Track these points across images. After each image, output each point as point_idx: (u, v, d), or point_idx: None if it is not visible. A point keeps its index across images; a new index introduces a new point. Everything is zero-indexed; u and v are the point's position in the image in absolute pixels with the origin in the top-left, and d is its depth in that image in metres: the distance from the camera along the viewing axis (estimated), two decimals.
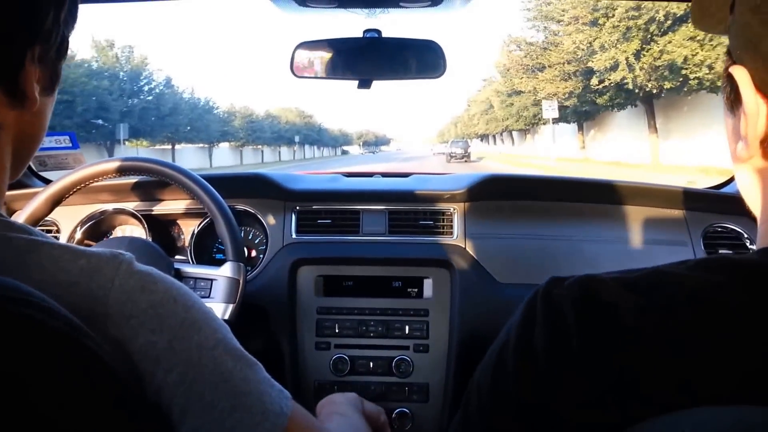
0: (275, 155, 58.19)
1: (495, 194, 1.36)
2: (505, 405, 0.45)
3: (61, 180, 1.09)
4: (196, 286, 1.07)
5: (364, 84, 1.11)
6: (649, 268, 0.45)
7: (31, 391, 0.36)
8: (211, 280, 1.07)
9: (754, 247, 1.10)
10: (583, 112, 24.71)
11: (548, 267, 1.27)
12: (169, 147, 34.96)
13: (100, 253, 0.49)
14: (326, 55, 1.13)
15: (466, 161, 34.30)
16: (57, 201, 1.09)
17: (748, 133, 0.46)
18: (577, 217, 1.34)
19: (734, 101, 0.48)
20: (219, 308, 1.04)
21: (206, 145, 36.76)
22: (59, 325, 0.39)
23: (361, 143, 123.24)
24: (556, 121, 26.53)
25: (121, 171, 1.10)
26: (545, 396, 0.42)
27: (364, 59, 1.12)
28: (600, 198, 1.36)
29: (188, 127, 33.13)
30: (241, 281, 1.06)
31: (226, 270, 1.07)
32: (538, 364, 0.43)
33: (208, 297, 1.06)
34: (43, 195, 1.08)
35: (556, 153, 27.74)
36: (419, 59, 1.14)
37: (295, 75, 1.10)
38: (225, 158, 43.45)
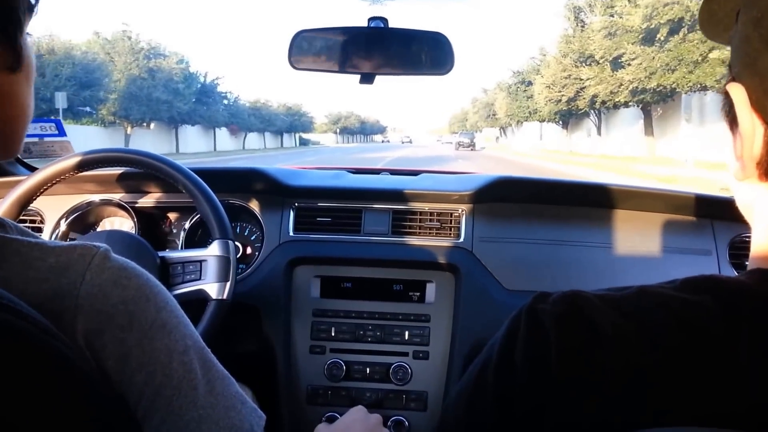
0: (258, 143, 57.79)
1: (505, 197, 1.34)
2: (482, 424, 0.45)
3: (26, 181, 1.08)
4: (185, 270, 1.07)
5: (367, 79, 1.08)
6: (636, 287, 0.46)
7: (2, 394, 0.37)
8: (200, 261, 1.06)
9: None
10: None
11: (559, 274, 1.25)
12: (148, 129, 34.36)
13: (72, 247, 0.49)
14: (327, 46, 1.11)
15: (471, 150, 41.56)
16: (26, 203, 1.08)
17: (743, 154, 0.46)
18: (591, 223, 1.32)
19: (732, 119, 0.47)
20: (213, 288, 1.04)
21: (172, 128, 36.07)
22: (24, 325, 0.40)
23: (338, 130, 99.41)
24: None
25: (91, 164, 1.09)
26: (524, 413, 0.43)
27: (368, 52, 1.09)
28: (617, 203, 1.33)
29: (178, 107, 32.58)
30: (231, 258, 1.06)
31: (214, 249, 1.07)
32: (518, 379, 0.44)
33: (200, 279, 1.06)
34: (9, 198, 1.07)
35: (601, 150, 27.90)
36: (426, 53, 1.11)
37: (292, 66, 1.08)
38: (197, 143, 43.26)
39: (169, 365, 0.50)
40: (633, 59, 20.44)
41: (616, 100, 22.75)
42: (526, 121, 39.48)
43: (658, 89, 20.31)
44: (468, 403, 0.48)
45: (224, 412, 0.51)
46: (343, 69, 1.10)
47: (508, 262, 1.28)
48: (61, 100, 22.57)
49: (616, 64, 22.12)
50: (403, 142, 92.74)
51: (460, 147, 43.08)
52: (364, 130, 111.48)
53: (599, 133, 30.99)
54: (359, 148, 55.78)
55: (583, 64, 24.91)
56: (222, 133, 46.47)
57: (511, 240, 1.30)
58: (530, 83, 37.24)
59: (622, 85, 21.78)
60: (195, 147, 38.95)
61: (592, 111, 28.78)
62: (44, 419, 0.39)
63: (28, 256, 0.47)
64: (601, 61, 22.97)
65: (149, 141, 32.01)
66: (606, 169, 17.70)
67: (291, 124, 65.46)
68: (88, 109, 25.57)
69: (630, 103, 22.88)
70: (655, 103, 22.37)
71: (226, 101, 44.34)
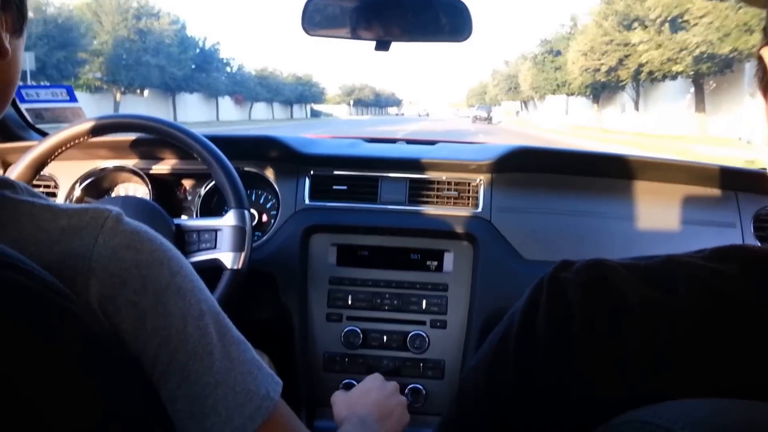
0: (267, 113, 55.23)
1: (524, 166, 1.33)
2: (502, 394, 0.45)
3: (40, 145, 1.08)
4: (200, 239, 1.07)
5: (382, 46, 1.07)
6: (663, 256, 0.45)
7: (5, 354, 0.37)
8: (216, 230, 1.06)
9: None
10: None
11: (578, 245, 1.26)
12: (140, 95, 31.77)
13: (84, 210, 0.49)
14: (342, 12, 1.09)
15: (488, 123, 41.87)
16: (39, 167, 1.08)
17: None
18: (612, 194, 1.32)
19: (766, 86, 0.45)
20: (228, 258, 1.04)
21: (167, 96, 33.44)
22: (33, 285, 0.40)
23: (351, 102, 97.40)
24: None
25: (104, 129, 1.09)
26: (545, 383, 0.43)
27: (384, 18, 1.06)
28: (639, 174, 1.32)
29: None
30: (247, 228, 1.06)
31: (230, 218, 1.06)
32: (539, 350, 0.44)
33: (215, 248, 1.06)
34: (23, 162, 1.07)
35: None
36: (444, 20, 1.07)
37: (306, 32, 1.06)
38: (197, 112, 40.75)
39: (185, 330, 0.49)
40: (701, 17, 17.12)
41: (673, 69, 19.52)
42: (553, 94, 36.16)
43: (725, 57, 17.06)
44: (488, 372, 0.47)
45: (240, 378, 0.50)
46: (358, 35, 1.07)
47: (527, 232, 1.27)
48: (28, 62, 20.07)
49: (674, 25, 18.95)
50: (420, 116, 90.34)
51: (476, 120, 43.30)
52: (378, 102, 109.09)
53: (636, 108, 27.85)
54: (372, 121, 53.69)
55: (626, 29, 21.69)
56: (225, 102, 44.05)
57: (530, 210, 1.29)
58: (559, 53, 34.05)
59: (684, 50, 18.51)
60: (195, 116, 36.49)
61: (632, 83, 25.67)
62: (55, 380, 0.39)
63: (39, 218, 0.47)
64: (656, 22, 19.69)
65: (142, 109, 29.40)
66: (653, 149, 14.72)
67: (301, 94, 62.88)
68: (62, 71, 22.81)
69: (683, 74, 19.67)
70: (713, 74, 19.15)
71: (229, 69, 41.79)
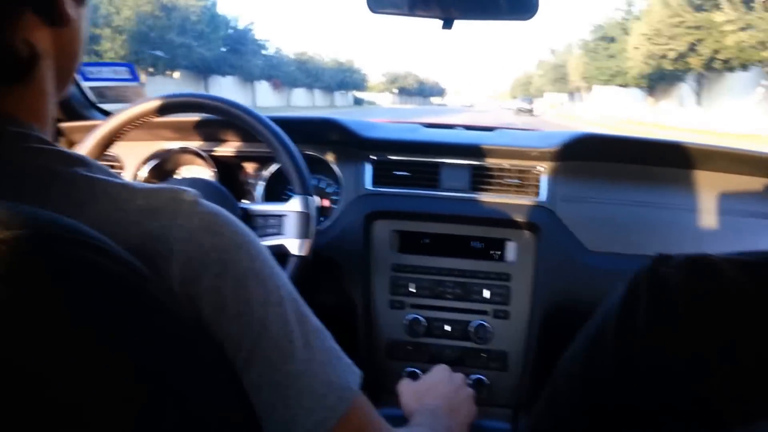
0: (307, 99, 53.86)
1: (589, 155, 1.30)
2: (601, 377, 0.46)
3: (107, 123, 1.07)
4: (266, 224, 1.07)
5: (448, 24, 1.05)
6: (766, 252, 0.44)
7: (87, 340, 0.36)
8: (281, 216, 1.07)
9: None
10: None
11: (644, 237, 1.23)
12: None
13: (161, 189, 0.48)
14: None
15: (529, 115, 41.54)
16: (106, 145, 1.07)
17: None
18: (679, 184, 1.28)
19: None
20: (293, 244, 1.05)
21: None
22: (117, 268, 0.39)
23: (395, 90, 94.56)
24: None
25: (170, 108, 1.08)
26: (645, 370, 0.43)
27: None
28: (706, 164, 1.28)
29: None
30: (312, 215, 1.06)
31: (295, 204, 1.06)
32: (640, 342, 0.44)
33: (280, 234, 1.06)
34: (90, 140, 1.06)
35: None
36: None
37: (371, 10, 1.05)
38: (231, 96, 39.44)
39: (266, 316, 0.47)
40: None
41: (764, 55, 16.89)
42: (605, 84, 33.48)
43: None
44: (585, 359, 0.47)
45: (321, 368, 0.49)
46: (423, 13, 1.06)
47: (591, 222, 1.24)
48: None
49: (749, 6, 16.43)
50: (464, 106, 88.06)
51: (519, 112, 43.44)
52: (422, 91, 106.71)
53: (699, 102, 25.21)
54: (415, 110, 51.10)
55: (697, 9, 19.15)
56: (262, 86, 42.89)
57: (594, 200, 1.26)
58: (613, 39, 31.45)
59: None
60: None
61: (696, 74, 23.11)
62: (141, 366, 0.38)
63: (115, 196, 0.45)
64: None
65: (171, 91, 28.27)
66: None
67: (342, 80, 61.31)
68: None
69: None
70: None
71: (265, 51, 40.58)
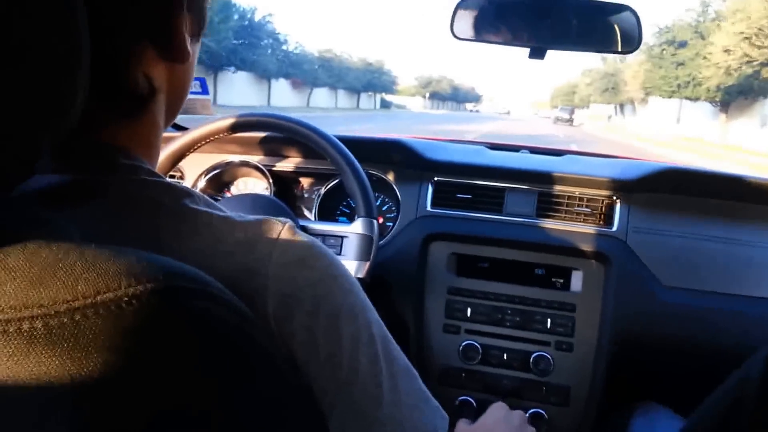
0: (330, 100, 50.28)
1: (668, 187, 1.26)
2: None
3: (181, 138, 1.10)
4: (325, 243, 1.05)
5: (537, 54, 1.03)
6: None
7: (202, 390, 0.35)
8: (342, 237, 1.07)
9: None
10: None
11: (724, 273, 1.18)
12: None
13: (259, 222, 0.47)
14: (494, 15, 1.05)
15: (570, 125, 41.20)
16: (178, 158, 1.11)
17: None
18: (759, 221, 1.24)
19: None
20: (352, 266, 1.04)
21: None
22: (228, 316, 0.38)
23: (427, 94, 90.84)
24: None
25: (245, 127, 1.11)
26: None
27: (540, 23, 1.01)
28: None
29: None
30: (374, 238, 1.05)
31: (358, 226, 1.06)
32: None
33: (340, 254, 1.06)
34: (164, 153, 1.08)
35: None
36: (605, 28, 1.01)
37: (455, 37, 1.04)
38: (243, 94, 35.70)
39: (356, 358, 0.46)
40: None
41: None
42: (670, 96, 28.72)
43: None
44: (722, 416, 0.46)
45: (408, 413, 0.48)
46: (511, 41, 1.04)
47: (667, 256, 1.19)
48: None
49: None
50: (500, 114, 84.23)
51: (558, 122, 43.27)
52: (456, 96, 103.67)
53: None
54: (446, 116, 48.37)
55: None
56: (280, 85, 39.30)
57: (669, 233, 1.22)
58: (683, 44, 26.76)
59: None
60: (241, 99, 31.86)
61: None
62: (243, 415, 0.37)
63: (217, 229, 0.45)
64: None
65: None
66: None
67: (369, 82, 57.38)
68: None
69: None
70: None
71: (285, 47, 37.04)
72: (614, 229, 1.21)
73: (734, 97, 24.17)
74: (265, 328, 0.43)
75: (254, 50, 31.42)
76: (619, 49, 0.98)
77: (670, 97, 28.68)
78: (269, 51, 34.55)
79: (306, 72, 41.89)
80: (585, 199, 1.24)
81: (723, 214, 1.23)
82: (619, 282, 1.16)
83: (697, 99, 26.62)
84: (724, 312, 1.14)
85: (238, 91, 32.29)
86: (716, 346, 1.10)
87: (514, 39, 1.02)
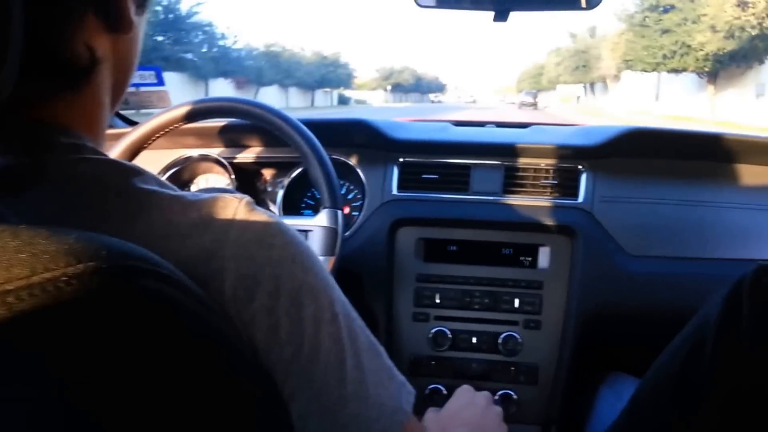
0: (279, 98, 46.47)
1: (634, 151, 1.25)
2: (696, 382, 0.46)
3: (135, 131, 1.05)
4: None
5: (501, 16, 1.01)
6: None
7: (156, 374, 0.34)
8: (306, 231, 1.01)
9: None
10: None
11: (689, 238, 1.19)
12: None
13: (214, 199, 0.45)
14: None
15: (534, 109, 41.04)
16: (134, 154, 1.05)
17: None
18: (728, 180, 1.24)
19: None
20: None
21: None
22: (182, 298, 0.36)
23: (389, 87, 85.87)
24: None
25: (200, 114, 1.05)
26: (746, 380, 0.43)
27: None
28: (753, 157, 1.24)
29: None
30: (339, 231, 1.02)
31: (322, 219, 1.01)
32: (743, 350, 0.43)
33: None
34: (117, 149, 1.04)
35: None
36: None
37: (418, 4, 1.02)
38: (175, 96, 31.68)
39: (317, 336, 0.44)
40: None
41: None
42: (657, 68, 25.22)
43: None
44: (681, 365, 0.46)
45: (372, 389, 0.47)
46: (474, 5, 1.02)
47: (632, 224, 1.19)
48: None
49: None
50: (466, 103, 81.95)
51: (522, 106, 43.17)
52: (419, 87, 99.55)
53: None
54: (408, 109, 44.62)
55: None
56: (219, 85, 35.24)
57: (635, 200, 1.21)
58: (668, 9, 23.57)
59: None
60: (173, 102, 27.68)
61: None
62: (200, 403, 0.36)
63: (168, 209, 0.43)
64: None
65: None
66: None
67: (324, 77, 53.27)
68: None
69: None
70: None
71: (222, 42, 33.04)
72: (580, 200, 1.19)
73: (725, 65, 21.13)
74: (223, 311, 0.41)
75: (182, 46, 27.45)
76: (583, 6, 0.97)
77: (654, 69, 25.31)
78: (205, 47, 30.59)
79: (250, 69, 38.00)
80: (551, 170, 1.22)
81: (690, 175, 1.22)
82: (585, 255, 1.15)
83: (683, 70, 23.46)
84: (689, 276, 1.13)
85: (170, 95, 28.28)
86: (680, 310, 0.96)
87: (476, 4, 1.00)
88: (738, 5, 16.13)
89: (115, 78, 0.49)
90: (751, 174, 1.22)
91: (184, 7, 28.06)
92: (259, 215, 0.46)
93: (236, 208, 0.45)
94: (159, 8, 25.83)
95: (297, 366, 0.43)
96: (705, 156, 1.24)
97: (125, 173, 0.44)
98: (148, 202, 0.43)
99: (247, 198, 0.46)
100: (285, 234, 0.46)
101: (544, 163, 1.22)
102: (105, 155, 0.45)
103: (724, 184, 1.22)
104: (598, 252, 1.15)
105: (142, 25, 0.50)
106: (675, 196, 1.20)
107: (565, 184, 1.21)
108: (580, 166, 1.21)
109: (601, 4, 0.97)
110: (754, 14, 14.77)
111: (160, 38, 26.21)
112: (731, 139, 1.22)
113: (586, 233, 1.16)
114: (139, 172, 0.45)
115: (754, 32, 15.90)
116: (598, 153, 1.21)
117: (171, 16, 27.01)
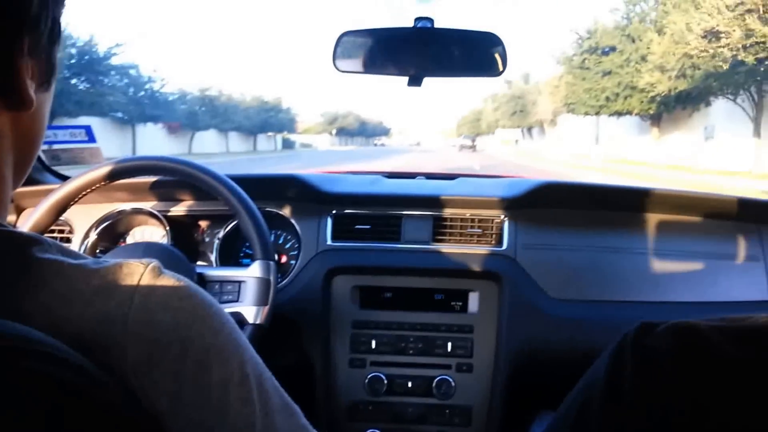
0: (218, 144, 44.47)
1: (551, 202, 1.32)
2: None
3: (60, 189, 1.05)
4: (222, 290, 1.05)
5: (415, 81, 1.06)
6: (755, 318, 0.43)
7: None
8: (239, 282, 1.04)
9: None
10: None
11: (607, 283, 1.24)
12: None
13: (118, 266, 0.45)
14: (373, 47, 1.08)
15: (473, 151, 42.95)
16: (60, 211, 1.05)
17: None
18: (639, 229, 1.31)
19: None
20: (250, 312, 1.02)
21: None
22: (69, 377, 0.36)
23: (334, 131, 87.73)
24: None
25: (124, 173, 1.06)
26: None
27: (415, 53, 1.06)
28: (665, 208, 1.32)
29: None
30: (272, 280, 1.04)
31: (255, 270, 1.03)
32: (628, 417, 0.43)
33: (237, 301, 1.04)
34: (43, 207, 1.04)
35: None
36: (477, 55, 1.07)
37: (337, 69, 1.07)
38: (107, 143, 29.20)
39: (225, 400, 0.44)
40: None
41: None
42: (600, 111, 24.40)
43: None
44: (571, 426, 0.47)
45: None
46: (389, 71, 1.07)
47: (553, 269, 1.24)
48: None
49: None
50: (410, 145, 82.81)
51: (462, 149, 44.58)
52: (364, 131, 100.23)
53: (758, 130, 16.88)
54: (353, 153, 45.57)
55: None
56: (149, 130, 32.84)
57: (556, 247, 1.26)
58: (608, 51, 23.12)
59: None
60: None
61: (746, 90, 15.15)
62: None
63: (71, 278, 0.43)
64: None
65: None
66: None
67: (265, 121, 51.42)
68: None
69: None
70: None
71: (148, 86, 30.84)
72: (504, 247, 1.24)
73: (671, 108, 20.65)
74: (117, 382, 0.40)
75: (100, 89, 25.18)
76: (488, 73, 1.03)
77: (597, 112, 24.55)
78: (131, 90, 28.42)
79: (183, 113, 35.87)
80: (477, 220, 1.27)
81: (600, 224, 1.28)
82: (510, 300, 1.19)
83: (628, 113, 22.89)
84: (607, 318, 1.16)
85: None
86: (599, 351, 0.95)
87: (392, 69, 1.04)
88: (704, 37, 14.74)
89: (18, 153, 0.48)
90: (659, 222, 1.29)
91: (101, 49, 25.82)
92: (167, 279, 0.45)
93: (142, 274, 0.44)
94: (73, 50, 23.61)
95: (203, 430, 0.42)
96: (617, 207, 1.31)
97: (23, 245, 0.43)
98: (50, 271, 0.42)
99: (154, 262, 0.45)
100: (194, 296, 0.45)
101: (469, 213, 1.28)
102: (3, 225, 0.44)
103: (636, 231, 1.28)
104: (522, 296, 1.20)
105: (47, 100, 0.50)
106: (592, 243, 1.25)
107: (490, 233, 1.26)
108: (503, 216, 1.27)
109: (503, 72, 1.02)
110: (728, 45, 13.77)
111: (73, 81, 23.87)
112: (639, 192, 1.29)
113: (510, 279, 1.20)
114: (39, 242, 0.44)
115: (725, 66, 14.83)
116: (519, 204, 1.27)
117: (86, 57, 24.74)
